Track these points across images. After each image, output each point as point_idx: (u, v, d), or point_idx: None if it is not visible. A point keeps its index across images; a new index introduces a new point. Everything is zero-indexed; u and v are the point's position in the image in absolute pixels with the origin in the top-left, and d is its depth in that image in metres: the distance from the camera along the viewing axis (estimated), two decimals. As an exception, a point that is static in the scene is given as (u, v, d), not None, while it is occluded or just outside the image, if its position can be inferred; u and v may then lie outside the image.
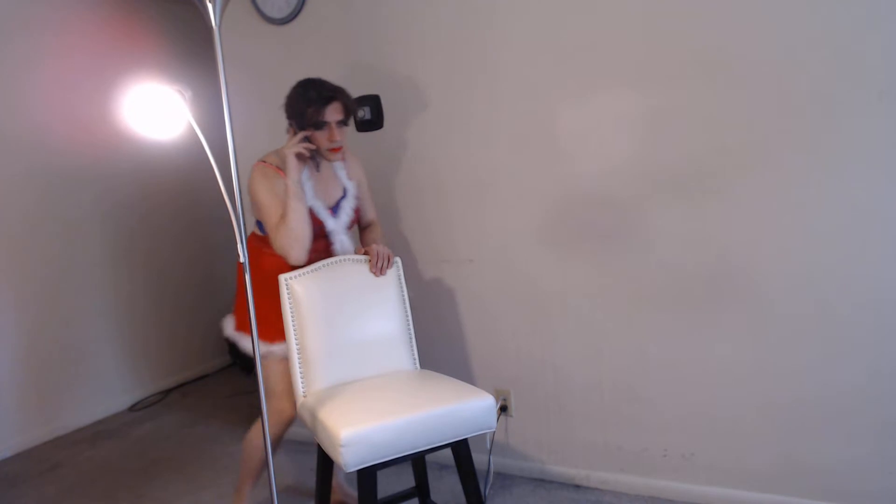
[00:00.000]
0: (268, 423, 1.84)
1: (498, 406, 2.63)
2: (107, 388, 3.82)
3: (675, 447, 2.37)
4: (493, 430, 1.99)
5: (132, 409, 3.87)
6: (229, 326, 2.35)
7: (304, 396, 2.09)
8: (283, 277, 2.13)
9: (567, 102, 2.38)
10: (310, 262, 2.14)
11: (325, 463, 2.11)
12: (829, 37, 1.98)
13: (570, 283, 2.47)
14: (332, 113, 2.10)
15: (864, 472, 2.08)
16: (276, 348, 2.20)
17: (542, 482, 2.59)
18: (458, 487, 2.55)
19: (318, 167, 2.20)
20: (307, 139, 2.11)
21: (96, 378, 3.76)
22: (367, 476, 1.80)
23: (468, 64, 2.53)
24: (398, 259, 2.30)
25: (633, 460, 2.45)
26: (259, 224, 2.26)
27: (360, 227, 2.41)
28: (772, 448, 2.21)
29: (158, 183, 4.10)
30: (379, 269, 2.17)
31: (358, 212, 2.31)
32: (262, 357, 2.11)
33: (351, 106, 2.17)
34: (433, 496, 2.35)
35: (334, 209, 2.23)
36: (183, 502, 2.71)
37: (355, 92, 2.77)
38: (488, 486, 2.56)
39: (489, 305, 2.63)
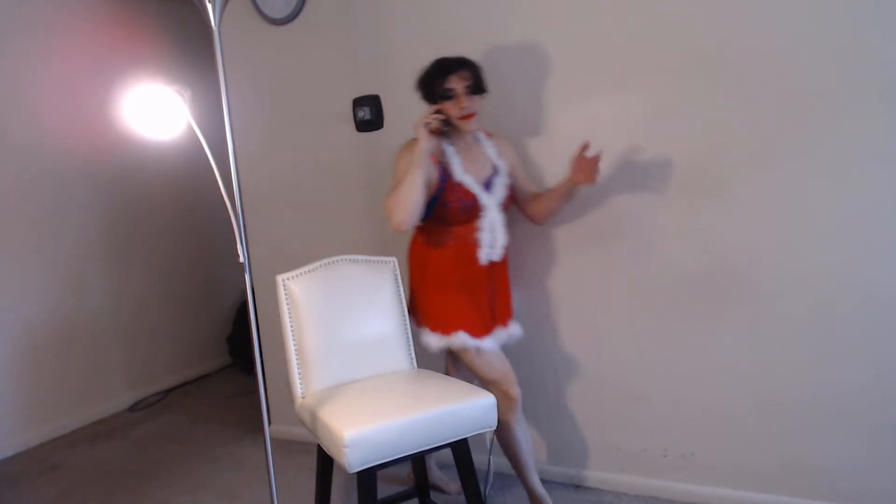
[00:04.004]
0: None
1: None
2: (106, 388, 3.82)
3: (674, 447, 2.37)
4: (494, 429, 1.99)
5: (132, 409, 3.87)
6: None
7: (303, 397, 2.09)
8: (280, 278, 2.13)
9: (568, 102, 2.38)
10: (458, 241, 2.18)
11: (325, 463, 2.11)
12: (830, 37, 1.98)
13: (570, 283, 2.46)
14: (457, 80, 2.10)
15: (864, 472, 2.08)
16: (459, 338, 2.17)
17: (542, 482, 2.58)
18: (458, 487, 2.55)
19: (450, 139, 2.18)
20: (439, 113, 2.11)
21: (96, 378, 3.76)
22: (367, 476, 1.80)
23: (468, 64, 2.53)
24: (394, 259, 2.29)
25: (633, 460, 2.45)
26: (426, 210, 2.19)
27: (522, 202, 2.35)
28: (772, 448, 2.21)
29: (159, 183, 4.11)
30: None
31: (511, 191, 2.27)
32: (462, 352, 2.18)
33: (478, 72, 2.14)
34: (433, 496, 2.35)
35: (487, 185, 2.20)
36: (182, 503, 2.70)
37: (355, 92, 2.76)
38: (488, 486, 2.56)
39: (489, 305, 2.63)
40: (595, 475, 2.52)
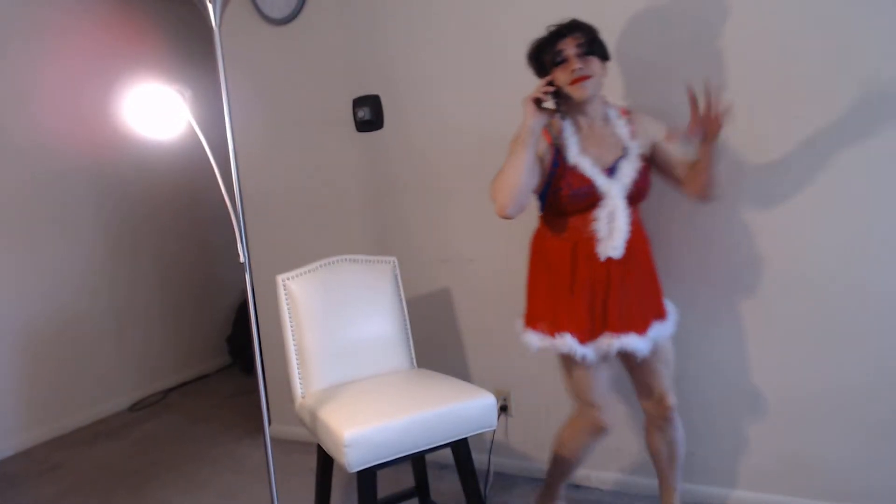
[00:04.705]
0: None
1: (498, 406, 2.63)
2: (107, 388, 3.82)
3: (674, 447, 2.37)
4: (494, 428, 1.99)
5: (132, 409, 3.87)
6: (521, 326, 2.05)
7: (303, 397, 2.10)
8: (280, 278, 2.13)
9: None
10: (573, 233, 1.90)
11: (325, 463, 2.11)
12: (830, 37, 1.98)
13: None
14: (567, 43, 1.84)
15: (864, 472, 2.08)
16: (562, 342, 1.90)
17: (542, 482, 2.58)
18: (458, 487, 2.54)
19: (561, 113, 1.88)
20: (551, 86, 1.85)
21: (96, 378, 3.76)
22: (367, 476, 1.80)
23: (469, 63, 2.53)
24: (394, 258, 2.29)
25: (633, 460, 2.45)
26: (540, 197, 1.97)
27: (683, 182, 1.96)
28: (771, 447, 2.21)
29: (160, 183, 4.11)
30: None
31: (644, 178, 1.91)
32: (562, 358, 1.96)
33: (593, 34, 1.87)
34: (433, 496, 2.35)
35: (611, 170, 1.88)
36: (182, 502, 2.71)
37: (355, 92, 2.78)
38: (488, 486, 2.56)
39: (489, 305, 2.63)
40: (595, 475, 2.52)
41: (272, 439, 2.10)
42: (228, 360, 4.52)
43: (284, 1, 2.85)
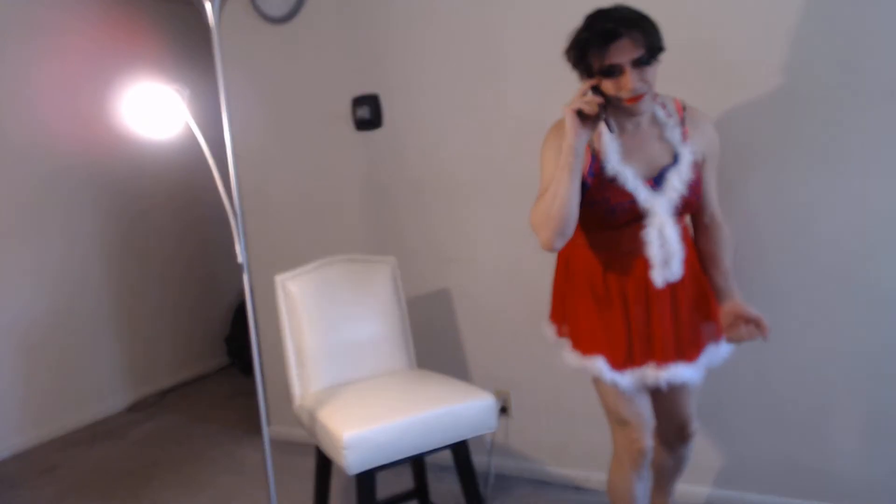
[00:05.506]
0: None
1: (498, 407, 2.62)
2: (105, 389, 3.81)
3: (675, 448, 2.36)
4: (494, 430, 1.98)
5: (131, 409, 3.86)
6: (550, 333, 1.87)
7: (302, 398, 2.09)
8: (278, 278, 2.12)
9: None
10: (609, 246, 1.68)
11: (324, 465, 2.10)
12: (834, 37, 1.97)
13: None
14: (621, 51, 1.51)
15: (864, 472, 2.08)
16: (592, 364, 1.71)
17: (543, 483, 2.58)
18: (458, 489, 2.54)
19: (610, 126, 1.56)
20: (596, 90, 1.55)
21: (95, 378, 3.75)
22: (366, 478, 1.79)
23: (468, 63, 2.52)
24: (394, 258, 2.28)
25: (634, 461, 2.44)
26: None
27: (695, 221, 1.79)
28: (772, 448, 2.20)
29: (158, 182, 4.10)
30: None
31: (695, 191, 1.64)
32: (595, 380, 1.75)
33: (652, 34, 1.53)
34: (433, 497, 2.34)
35: (656, 180, 1.62)
36: (181, 503, 2.70)
37: (354, 91, 2.77)
38: (488, 488, 2.55)
39: (489, 306, 2.62)
40: (595, 476, 2.51)
41: (271, 440, 2.10)
42: (227, 361, 4.51)
43: None
